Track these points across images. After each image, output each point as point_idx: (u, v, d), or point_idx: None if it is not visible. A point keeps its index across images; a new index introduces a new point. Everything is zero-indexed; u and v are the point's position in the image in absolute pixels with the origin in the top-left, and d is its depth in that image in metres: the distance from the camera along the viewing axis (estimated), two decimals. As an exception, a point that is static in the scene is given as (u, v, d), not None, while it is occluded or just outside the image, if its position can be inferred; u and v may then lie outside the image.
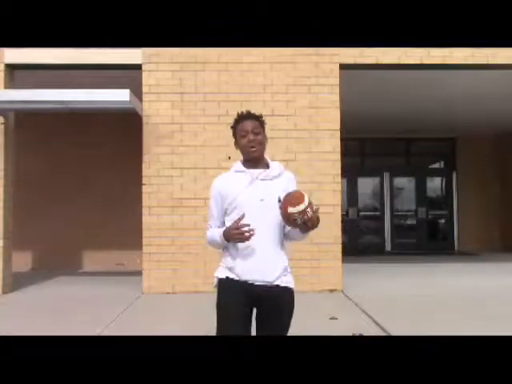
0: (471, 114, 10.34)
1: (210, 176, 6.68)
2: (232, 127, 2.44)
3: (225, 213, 2.35)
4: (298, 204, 2.12)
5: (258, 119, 2.43)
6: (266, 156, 2.47)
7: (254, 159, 2.38)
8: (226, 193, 2.35)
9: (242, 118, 2.41)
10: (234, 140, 2.46)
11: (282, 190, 2.29)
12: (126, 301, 5.97)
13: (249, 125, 2.37)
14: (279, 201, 2.23)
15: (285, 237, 2.36)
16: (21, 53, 6.69)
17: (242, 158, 2.44)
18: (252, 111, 2.45)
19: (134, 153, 7.83)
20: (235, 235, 2.18)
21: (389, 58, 6.79)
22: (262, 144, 2.39)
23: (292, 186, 2.39)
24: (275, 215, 2.24)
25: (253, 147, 2.35)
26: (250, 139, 2.34)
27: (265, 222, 2.26)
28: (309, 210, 2.12)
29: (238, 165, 2.43)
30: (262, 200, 2.28)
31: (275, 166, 2.42)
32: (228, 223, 2.31)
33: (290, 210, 2.12)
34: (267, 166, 2.42)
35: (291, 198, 2.16)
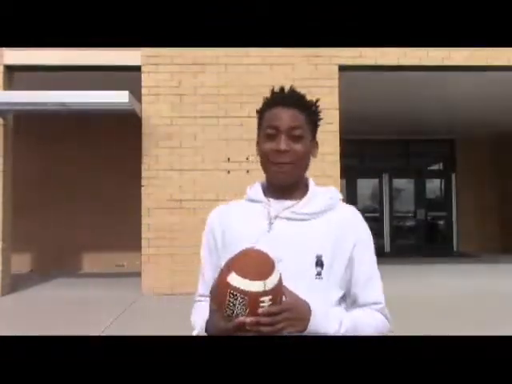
0: (470, 115, 10.35)
1: (209, 177, 6.69)
2: (258, 111, 1.32)
3: None
4: (260, 275, 1.03)
5: (306, 108, 1.26)
6: (309, 177, 1.37)
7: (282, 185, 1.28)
8: (229, 240, 1.29)
9: (277, 99, 1.26)
10: (256, 135, 1.32)
11: (325, 241, 1.25)
12: (126, 302, 5.97)
13: (284, 116, 1.22)
14: (318, 263, 1.23)
15: None
16: (20, 54, 6.69)
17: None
18: (298, 90, 1.29)
19: (133, 154, 7.83)
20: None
21: (388, 59, 6.80)
22: (300, 160, 1.26)
23: (353, 237, 1.32)
24: (308, 289, 1.18)
25: (281, 166, 1.23)
26: (279, 148, 1.21)
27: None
28: (273, 295, 1.04)
29: (256, 189, 1.33)
30: (280, 261, 1.13)
31: (318, 194, 1.30)
32: None
33: (233, 280, 1.03)
34: (305, 192, 1.31)
35: (244, 260, 1.07)
